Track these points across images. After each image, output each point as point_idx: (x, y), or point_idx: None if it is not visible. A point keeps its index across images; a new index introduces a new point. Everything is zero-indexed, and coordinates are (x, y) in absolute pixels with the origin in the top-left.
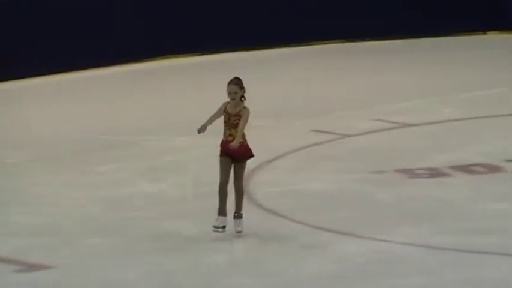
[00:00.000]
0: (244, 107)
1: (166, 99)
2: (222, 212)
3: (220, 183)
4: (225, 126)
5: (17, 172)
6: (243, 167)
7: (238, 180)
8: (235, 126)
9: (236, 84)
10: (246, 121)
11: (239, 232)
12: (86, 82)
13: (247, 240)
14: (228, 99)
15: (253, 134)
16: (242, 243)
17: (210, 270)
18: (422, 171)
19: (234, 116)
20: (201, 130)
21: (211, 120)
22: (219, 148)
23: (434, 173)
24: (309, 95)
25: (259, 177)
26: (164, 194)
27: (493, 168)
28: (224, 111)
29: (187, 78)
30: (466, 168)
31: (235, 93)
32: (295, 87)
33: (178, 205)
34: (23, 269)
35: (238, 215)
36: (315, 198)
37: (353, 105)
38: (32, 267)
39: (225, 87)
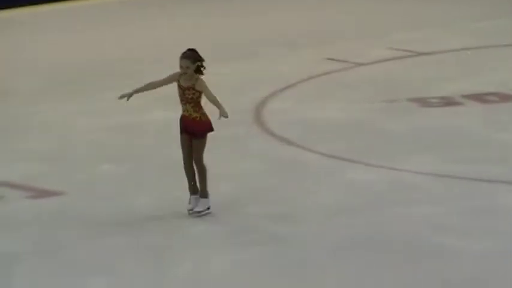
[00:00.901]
0: (197, 78)
1: (183, 25)
2: (193, 190)
3: (183, 162)
4: (180, 101)
5: (26, 99)
6: (202, 143)
7: (197, 156)
8: (190, 101)
9: (188, 57)
10: (209, 91)
11: (197, 212)
12: (92, 9)
13: (257, 168)
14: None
15: (266, 62)
16: (252, 171)
17: (220, 199)
18: (434, 100)
19: (187, 89)
20: (123, 97)
21: (147, 87)
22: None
23: (447, 101)
24: (322, 23)
25: (272, 106)
26: (175, 123)
27: (505, 98)
28: (178, 84)
29: (206, 5)
30: (478, 97)
31: (187, 67)
32: (308, 13)
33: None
34: (34, 195)
35: (201, 194)
36: (327, 127)
37: (366, 33)
38: (42, 193)
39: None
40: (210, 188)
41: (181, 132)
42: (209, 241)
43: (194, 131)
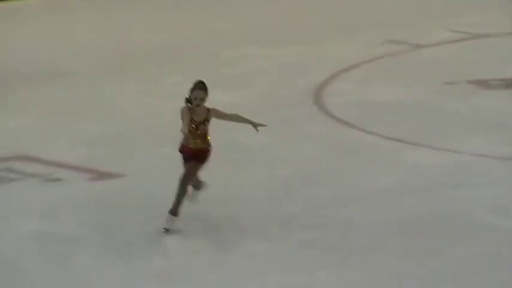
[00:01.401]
0: (208, 109)
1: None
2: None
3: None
4: (190, 133)
5: (87, 82)
6: (198, 168)
7: (187, 177)
8: (201, 136)
9: (203, 89)
10: (226, 113)
11: (165, 230)
12: None
13: (316, 151)
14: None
15: (327, 44)
16: (311, 153)
17: (279, 183)
18: (495, 82)
19: (201, 124)
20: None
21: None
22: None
23: (507, 84)
24: (383, 5)
25: (331, 88)
26: (236, 105)
27: None
28: (191, 119)
29: None
30: None
31: (202, 99)
32: None
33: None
34: (95, 177)
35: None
36: (387, 109)
37: (426, 16)
38: (102, 176)
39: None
40: (271, 171)
41: (186, 161)
42: (267, 225)
43: (200, 158)
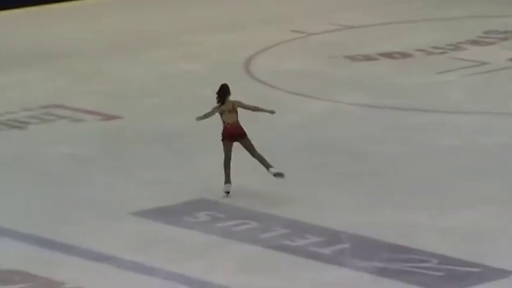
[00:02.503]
0: (233, 103)
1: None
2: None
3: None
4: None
5: (93, 58)
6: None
7: (253, 151)
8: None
9: (228, 94)
10: (247, 103)
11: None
12: None
13: (246, 101)
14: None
15: (251, 31)
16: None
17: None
18: (360, 57)
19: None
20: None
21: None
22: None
23: (367, 58)
24: (288, 4)
25: (256, 61)
26: (192, 72)
27: (406, 55)
28: (222, 120)
29: None
30: (388, 55)
31: (226, 101)
32: None
33: (202, 80)
34: (104, 118)
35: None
36: (294, 75)
37: (315, 12)
38: (109, 117)
39: None
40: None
41: (230, 141)
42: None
43: (242, 134)
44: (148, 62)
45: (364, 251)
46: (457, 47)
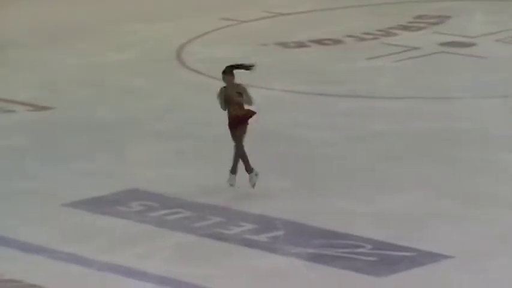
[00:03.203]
0: (238, 85)
1: None
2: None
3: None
4: (228, 105)
5: (30, 49)
6: (245, 129)
7: (239, 139)
8: (239, 102)
9: (232, 74)
10: (248, 94)
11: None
12: None
13: (179, 89)
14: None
15: (183, 21)
16: (176, 90)
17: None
18: (292, 44)
19: (235, 96)
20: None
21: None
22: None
23: (300, 45)
24: None
25: (188, 49)
26: (127, 61)
27: (336, 41)
28: (226, 96)
29: None
30: (319, 42)
31: (229, 81)
32: None
33: (138, 67)
34: (35, 109)
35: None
36: (224, 62)
37: (247, 1)
38: (40, 108)
39: None
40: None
41: (234, 128)
42: None
43: (244, 121)
44: (80, 52)
45: (298, 237)
46: (387, 32)
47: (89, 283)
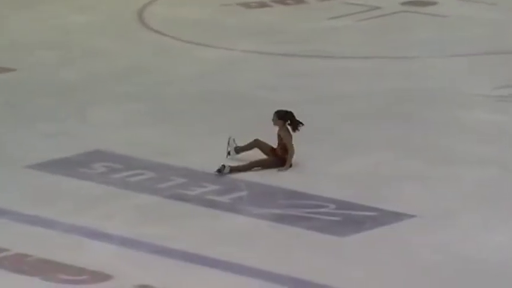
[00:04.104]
0: (283, 130)
1: None
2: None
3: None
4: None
5: None
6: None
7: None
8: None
9: (274, 115)
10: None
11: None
12: None
13: (142, 48)
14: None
15: None
16: (138, 49)
17: None
18: (255, 4)
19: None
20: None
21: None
22: None
23: (262, 4)
24: None
25: (150, 9)
26: (91, 23)
27: (299, 1)
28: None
29: None
30: (281, 2)
31: (273, 120)
32: None
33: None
34: None
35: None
36: (187, 23)
37: None
38: (3, 70)
39: None
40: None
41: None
42: None
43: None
44: (41, 14)
45: (262, 198)
46: None
47: (52, 245)
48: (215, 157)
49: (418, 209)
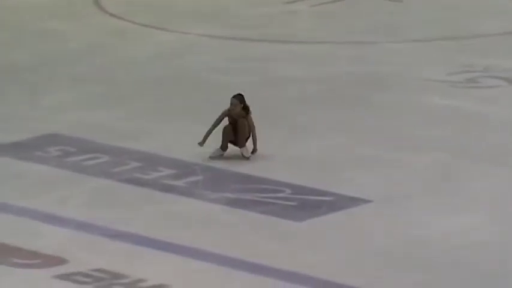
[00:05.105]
0: (244, 116)
1: None
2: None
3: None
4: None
5: None
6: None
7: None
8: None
9: (236, 99)
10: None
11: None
12: None
13: (95, 32)
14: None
15: None
16: (93, 32)
17: None
18: None
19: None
20: (202, 144)
21: (210, 131)
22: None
23: None
24: None
25: None
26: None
27: None
28: (229, 115)
29: None
30: None
31: (235, 105)
32: None
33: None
34: None
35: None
36: (140, 7)
37: None
38: None
39: None
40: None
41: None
42: None
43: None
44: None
45: (217, 182)
46: None
47: (6, 229)
48: (170, 141)
49: (374, 194)
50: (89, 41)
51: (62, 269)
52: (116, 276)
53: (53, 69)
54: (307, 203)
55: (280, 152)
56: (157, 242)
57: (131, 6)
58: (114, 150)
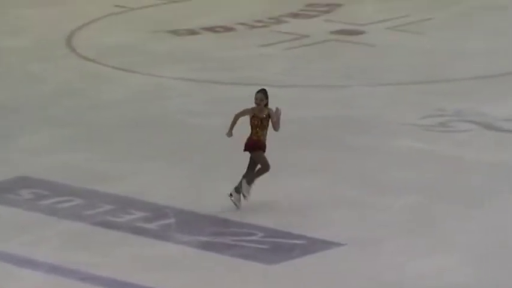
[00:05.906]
0: (269, 109)
1: None
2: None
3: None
4: (254, 127)
5: None
6: (257, 156)
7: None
8: (265, 127)
9: (264, 93)
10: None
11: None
12: None
13: (72, 75)
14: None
15: (72, 5)
16: (68, 75)
17: None
18: (183, 32)
19: (264, 118)
20: (229, 135)
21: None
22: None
23: (192, 32)
24: None
25: (79, 35)
26: (21, 49)
27: (228, 29)
28: (254, 116)
29: None
30: (211, 29)
31: (262, 100)
32: None
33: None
34: None
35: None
36: (119, 48)
37: None
38: None
39: None
40: None
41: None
42: None
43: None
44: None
45: (190, 225)
46: (278, 20)
47: None
48: (143, 184)
49: (346, 237)
50: (63, 83)
51: None
52: None
53: (27, 111)
54: (279, 247)
55: (253, 193)
56: (130, 285)
57: (104, 49)
58: (87, 193)
